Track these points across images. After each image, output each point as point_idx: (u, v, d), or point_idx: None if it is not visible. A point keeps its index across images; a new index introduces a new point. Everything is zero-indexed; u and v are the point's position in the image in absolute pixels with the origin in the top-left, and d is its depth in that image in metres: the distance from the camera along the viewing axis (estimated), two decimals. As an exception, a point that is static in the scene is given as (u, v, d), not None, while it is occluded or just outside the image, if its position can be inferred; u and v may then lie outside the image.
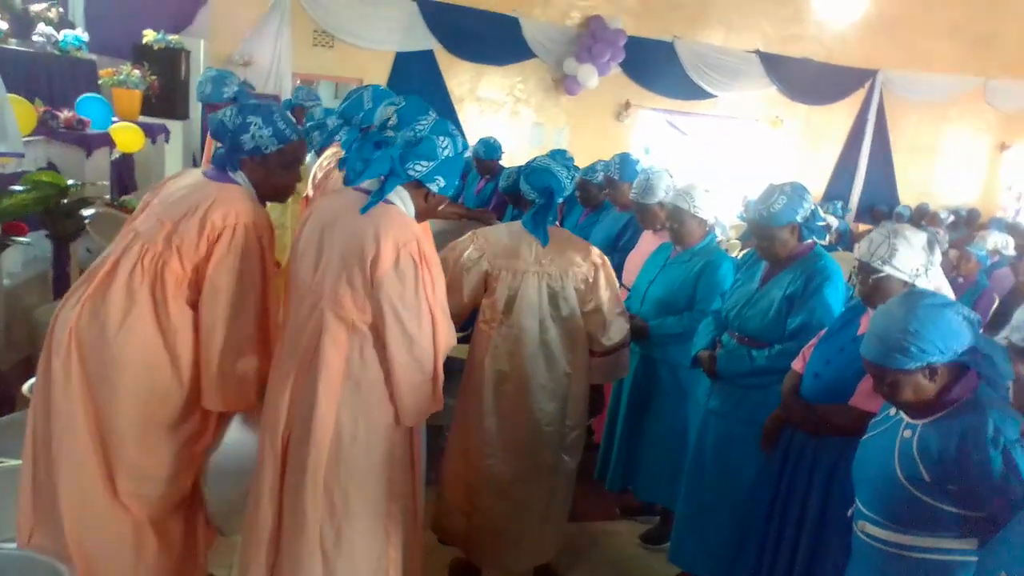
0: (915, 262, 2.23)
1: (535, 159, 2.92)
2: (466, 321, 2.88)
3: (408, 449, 2.16)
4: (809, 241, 2.67)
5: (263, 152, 2.16)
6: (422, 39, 9.59)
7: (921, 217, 9.18)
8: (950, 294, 2.34)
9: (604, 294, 2.78)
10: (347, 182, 2.13)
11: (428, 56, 9.73)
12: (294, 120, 2.28)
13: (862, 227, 9.69)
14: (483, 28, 9.65)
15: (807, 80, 10.79)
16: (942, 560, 1.75)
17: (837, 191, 11.30)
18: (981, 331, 1.78)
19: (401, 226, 2.02)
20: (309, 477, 2.00)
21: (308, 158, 3.60)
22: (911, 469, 1.75)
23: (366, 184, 2.11)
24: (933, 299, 1.75)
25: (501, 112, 10.37)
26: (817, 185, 11.36)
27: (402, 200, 2.10)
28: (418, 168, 2.06)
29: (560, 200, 2.83)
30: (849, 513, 1.98)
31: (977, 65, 11.23)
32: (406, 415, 2.07)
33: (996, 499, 1.63)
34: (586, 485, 3.37)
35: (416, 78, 9.55)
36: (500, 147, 6.11)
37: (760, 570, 2.44)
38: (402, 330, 1.99)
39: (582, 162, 5.70)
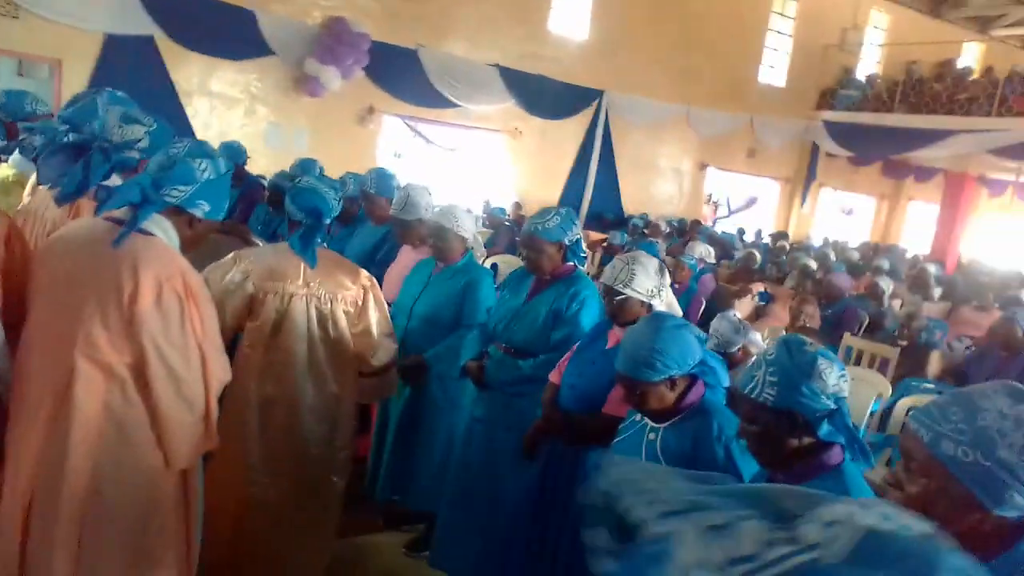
0: (650, 284, 2.56)
1: (300, 180, 2.87)
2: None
3: (182, 492, 2.03)
4: (571, 264, 2.93)
5: None
6: (138, 22, 8.62)
7: (647, 227, 10.25)
8: (678, 310, 2.70)
9: (373, 316, 2.81)
10: (60, 200, 1.94)
11: (147, 42, 8.83)
12: None
13: (593, 235, 10.59)
14: (214, 17, 8.97)
15: (543, 95, 11.57)
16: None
17: (570, 199, 12.26)
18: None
19: (162, 259, 1.89)
20: (59, 535, 1.81)
21: (16, 160, 3.16)
22: (656, 468, 2.02)
23: (117, 213, 1.93)
24: (674, 321, 2.04)
25: (236, 110, 9.83)
26: (552, 193, 12.27)
27: (163, 230, 1.96)
28: (175, 193, 1.94)
29: (328, 221, 2.81)
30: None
31: (682, 94, 12.84)
32: (177, 458, 1.95)
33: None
34: (347, 498, 3.37)
35: (132, 66, 8.61)
36: (244, 151, 5.82)
37: (528, 572, 2.62)
38: (168, 370, 1.87)
39: (327, 167, 5.66)
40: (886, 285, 7.40)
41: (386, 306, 2.94)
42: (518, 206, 11.42)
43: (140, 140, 2.33)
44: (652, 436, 2.07)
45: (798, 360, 1.58)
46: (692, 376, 2.06)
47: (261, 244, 3.67)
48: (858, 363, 5.35)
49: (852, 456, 1.61)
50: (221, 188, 2.05)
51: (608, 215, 12.59)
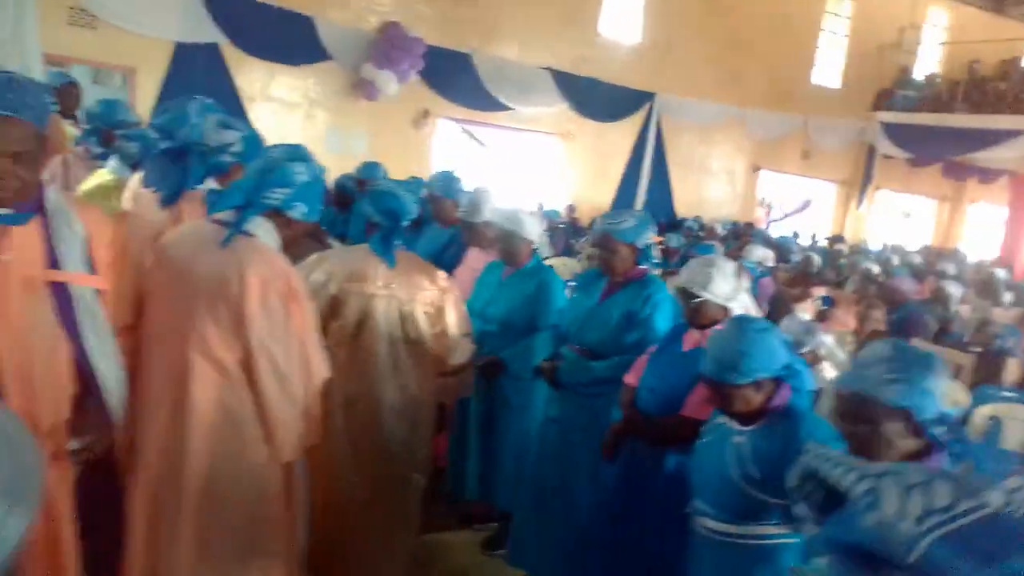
0: (728, 287, 2.55)
1: (378, 183, 2.94)
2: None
3: (286, 485, 2.12)
4: (643, 267, 2.94)
5: None
6: (206, 30, 8.89)
7: (701, 229, 10.17)
8: (755, 313, 2.69)
9: (451, 317, 2.86)
10: (163, 203, 2.03)
11: (213, 50, 9.10)
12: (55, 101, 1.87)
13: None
14: (275, 25, 9.20)
15: (595, 98, 11.56)
16: (769, 544, 2.04)
17: (622, 202, 12.23)
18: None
19: (266, 260, 1.98)
20: (183, 524, 1.91)
21: (115, 166, 3.30)
22: (744, 469, 2.02)
23: (222, 215, 2.02)
24: (758, 324, 2.05)
25: (296, 114, 10.04)
26: (605, 196, 12.25)
27: (264, 231, 2.04)
28: (275, 196, 2.02)
29: (406, 223, 2.87)
30: (688, 511, 2.23)
31: (735, 96, 12.70)
32: (281, 451, 2.04)
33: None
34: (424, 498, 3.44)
35: (200, 73, 8.89)
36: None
37: (606, 570, 2.64)
38: (273, 367, 1.96)
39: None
40: (954, 290, 7.23)
41: (463, 307, 2.99)
42: (571, 209, 11.43)
43: (234, 145, 2.41)
44: (739, 439, 2.07)
45: (918, 359, 1.60)
46: (778, 379, 2.05)
47: (334, 245, 3.75)
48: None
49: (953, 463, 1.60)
50: (316, 190, 2.13)
51: (660, 218, 12.51)
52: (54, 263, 1.67)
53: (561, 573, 3.00)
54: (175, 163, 2.31)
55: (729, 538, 2.08)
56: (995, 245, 14.78)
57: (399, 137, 10.54)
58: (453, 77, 10.52)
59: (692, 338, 2.60)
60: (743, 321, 2.09)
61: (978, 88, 13.17)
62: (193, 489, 1.95)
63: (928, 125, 13.17)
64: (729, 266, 2.59)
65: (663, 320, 2.87)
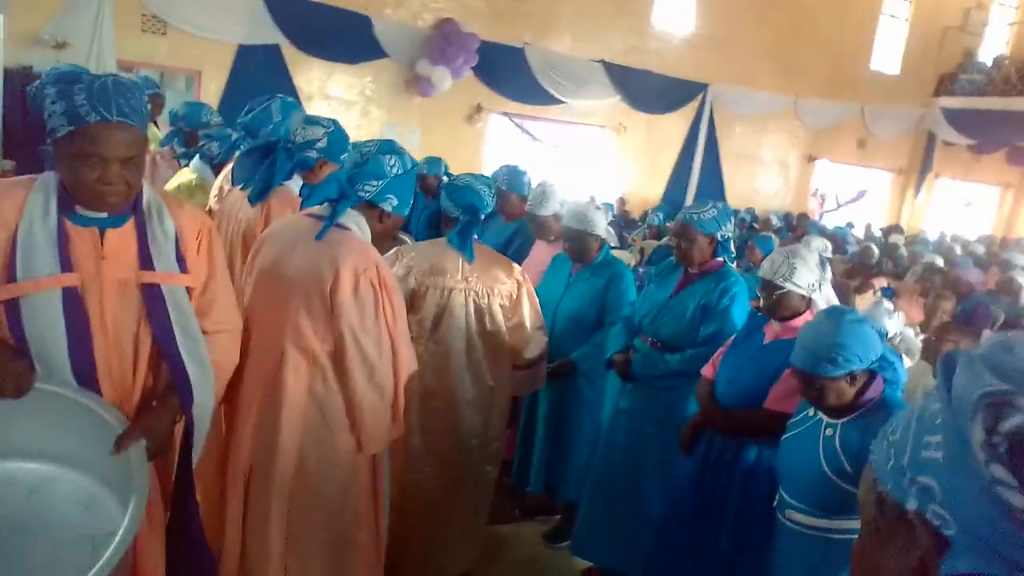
0: (811, 278, 2.53)
1: (456, 178, 2.97)
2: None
3: (371, 476, 2.16)
4: (720, 259, 2.93)
5: (55, 135, 1.56)
6: (267, 32, 9.13)
7: (755, 221, 10.01)
8: (836, 303, 2.66)
9: (526, 310, 2.88)
10: (253, 199, 2.07)
11: (274, 51, 9.33)
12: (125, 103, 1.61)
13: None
14: (333, 24, 9.39)
15: (647, 90, 11.47)
16: (859, 538, 2.03)
17: (673, 194, 12.13)
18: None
19: (359, 252, 2.02)
20: (273, 508, 1.97)
21: (197, 165, 3.41)
22: (835, 463, 2.01)
23: (317, 209, 2.07)
24: (853, 315, 2.02)
25: (352, 111, 10.19)
26: (657, 188, 12.16)
27: (357, 224, 2.08)
28: (368, 188, 2.05)
29: (483, 216, 2.91)
30: (774, 504, 2.22)
31: (789, 85, 12.47)
32: (368, 443, 2.07)
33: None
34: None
35: (261, 74, 9.11)
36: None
37: (684, 565, 2.64)
38: (362, 357, 1.99)
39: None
40: (1023, 279, 7.01)
41: (537, 299, 3.01)
42: (622, 201, 11.37)
43: (319, 140, 2.47)
44: (829, 432, 2.05)
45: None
46: (871, 371, 2.03)
47: (405, 239, 3.81)
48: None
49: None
50: (408, 183, 2.15)
51: (714, 210, 12.35)
52: (147, 263, 1.67)
53: (632, 566, 3.00)
54: (262, 160, 2.37)
55: (820, 532, 2.07)
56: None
57: (452, 132, 10.62)
58: (506, 72, 10.55)
59: (772, 330, 2.58)
60: (838, 312, 2.07)
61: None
62: (284, 480, 1.99)
63: (993, 109, 12.74)
64: (812, 257, 2.56)
65: (740, 312, 2.86)
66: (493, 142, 11.21)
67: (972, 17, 13.95)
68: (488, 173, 4.29)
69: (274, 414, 1.97)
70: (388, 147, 2.12)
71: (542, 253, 3.92)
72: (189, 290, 1.74)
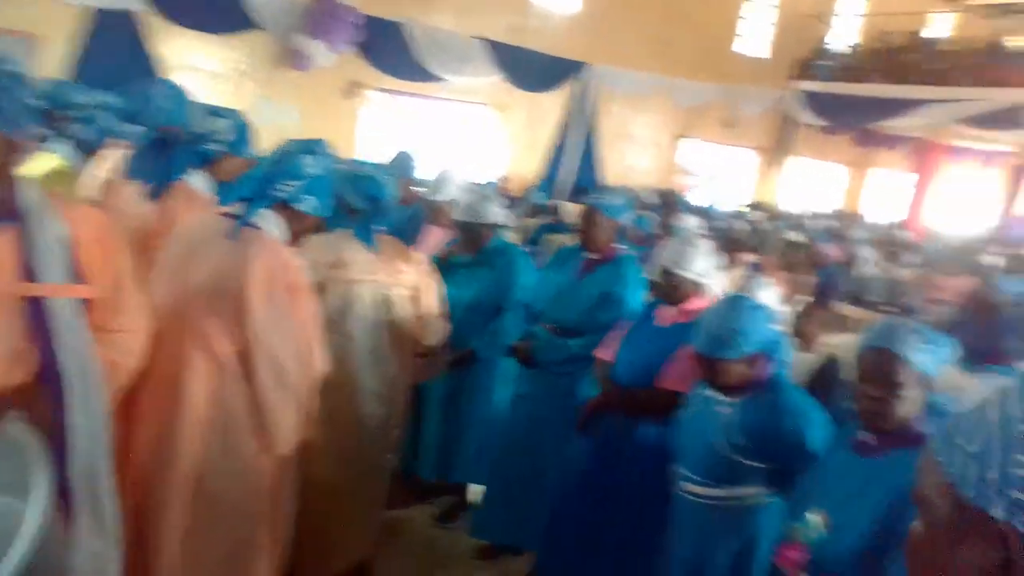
0: (703, 265, 2.69)
1: (359, 168, 2.93)
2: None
3: (278, 478, 2.13)
4: (621, 247, 3.05)
5: None
6: (121, -6, 8.35)
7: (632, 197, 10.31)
8: (727, 289, 2.84)
9: (429, 298, 2.90)
10: (152, 195, 1.99)
11: (129, 17, 8.60)
12: None
13: (573, 207, 10.64)
14: (199, -10, 8.81)
15: (528, 69, 11.55)
16: (748, 504, 2.20)
17: (551, 172, 12.33)
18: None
19: (271, 252, 1.97)
20: (170, 519, 1.91)
21: (67, 152, 3.14)
22: (732, 438, 2.16)
23: (230, 208, 2.01)
24: (749, 302, 2.18)
25: (224, 85, 9.69)
26: (535, 167, 12.32)
27: (273, 224, 2.03)
28: (284, 189, 2.01)
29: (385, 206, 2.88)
30: (668, 477, 2.37)
31: (663, 65, 12.91)
32: (276, 443, 2.04)
33: (797, 454, 2.09)
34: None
35: (115, 41, 8.42)
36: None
37: (581, 537, 2.76)
38: (271, 359, 1.96)
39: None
40: (866, 253, 7.76)
41: (437, 288, 3.03)
42: (504, 180, 11.45)
43: (224, 132, 2.37)
44: (726, 410, 2.20)
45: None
46: (764, 352, 2.19)
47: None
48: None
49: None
50: (327, 184, 2.11)
51: (588, 187, 12.67)
52: (29, 274, 1.48)
53: (531, 543, 3.10)
54: (160, 153, 2.25)
55: (714, 501, 2.23)
56: (896, 209, 15.66)
57: (328, 109, 10.30)
58: (386, 48, 10.30)
59: (667, 314, 2.73)
60: (737, 299, 2.22)
61: (891, 59, 13.80)
62: (182, 485, 1.94)
63: (845, 94, 13.74)
64: (705, 245, 2.72)
65: (636, 298, 2.99)
66: (370, 119, 10.98)
67: (826, 6, 14.92)
68: (364, 150, 4.24)
69: (174, 421, 1.91)
70: (308, 147, 2.07)
71: (435, 238, 3.92)
72: (89, 301, 1.57)
